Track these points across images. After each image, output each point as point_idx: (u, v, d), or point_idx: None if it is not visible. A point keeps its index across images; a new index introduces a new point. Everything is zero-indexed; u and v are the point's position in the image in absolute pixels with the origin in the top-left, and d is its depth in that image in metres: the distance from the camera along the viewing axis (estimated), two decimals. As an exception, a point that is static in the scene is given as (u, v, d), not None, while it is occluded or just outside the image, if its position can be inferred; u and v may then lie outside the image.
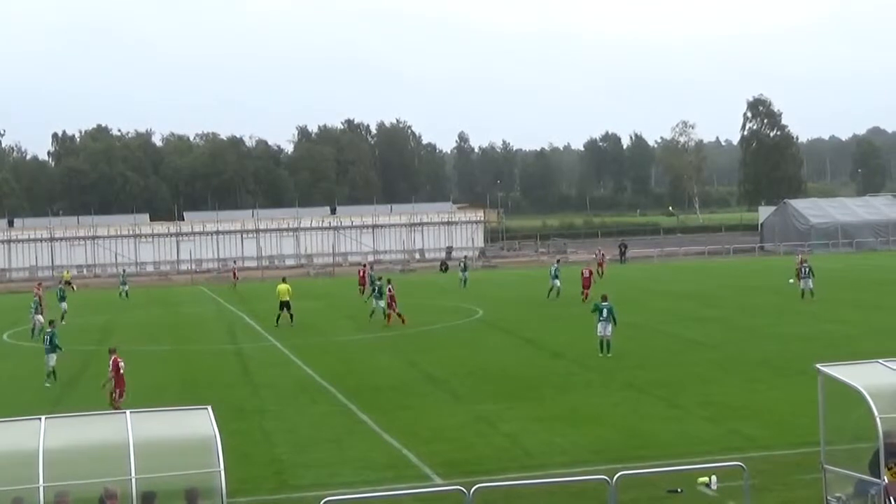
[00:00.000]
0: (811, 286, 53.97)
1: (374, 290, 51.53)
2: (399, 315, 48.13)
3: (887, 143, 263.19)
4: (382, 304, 49.55)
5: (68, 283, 76.38)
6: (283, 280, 53.09)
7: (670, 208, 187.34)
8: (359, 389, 31.90)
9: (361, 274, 66.79)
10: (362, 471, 22.27)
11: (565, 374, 33.68)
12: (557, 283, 58.94)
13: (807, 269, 54.37)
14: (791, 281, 58.90)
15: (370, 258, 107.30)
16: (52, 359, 35.33)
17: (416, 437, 25.22)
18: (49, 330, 36.49)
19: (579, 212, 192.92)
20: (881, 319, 44.41)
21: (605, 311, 36.91)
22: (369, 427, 26.73)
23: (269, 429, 27.05)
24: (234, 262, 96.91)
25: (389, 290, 48.86)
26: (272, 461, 23.64)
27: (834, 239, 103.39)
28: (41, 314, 49.32)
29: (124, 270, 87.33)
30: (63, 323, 51.85)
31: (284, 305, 49.97)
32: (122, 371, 29.09)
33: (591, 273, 58.47)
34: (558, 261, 69.04)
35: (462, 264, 73.59)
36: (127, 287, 74.41)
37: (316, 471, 22.49)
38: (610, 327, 36.86)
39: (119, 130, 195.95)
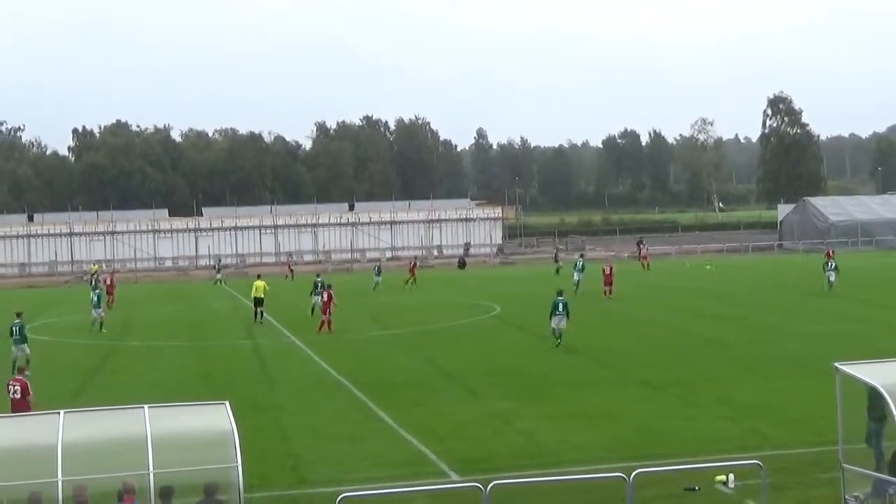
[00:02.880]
0: (834, 279, 57.72)
1: (315, 287, 52.36)
2: (328, 322, 45.55)
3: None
4: (320, 300, 49.99)
5: (94, 274, 77.06)
6: (258, 277, 54.16)
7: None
8: (376, 386, 31.94)
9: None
10: (379, 467, 22.30)
11: (581, 372, 33.65)
12: (576, 276, 60.27)
13: (832, 264, 58.72)
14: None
15: (388, 254, 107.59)
16: (22, 350, 35.33)
17: (432, 433, 25.24)
18: (17, 321, 36.09)
19: (598, 209, 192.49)
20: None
21: (560, 306, 38.77)
22: (386, 423, 26.77)
23: (286, 424, 27.12)
24: (290, 255, 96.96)
25: (328, 294, 46.36)
26: (289, 456, 23.69)
27: (853, 237, 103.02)
28: (101, 308, 49.22)
29: (220, 260, 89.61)
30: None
31: (258, 302, 50.41)
32: (17, 396, 26.27)
33: (611, 269, 58.69)
34: (581, 255, 70.41)
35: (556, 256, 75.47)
36: (221, 275, 77.36)
37: (332, 467, 22.53)
38: (564, 321, 38.67)
39: (138, 126, 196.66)
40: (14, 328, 35.96)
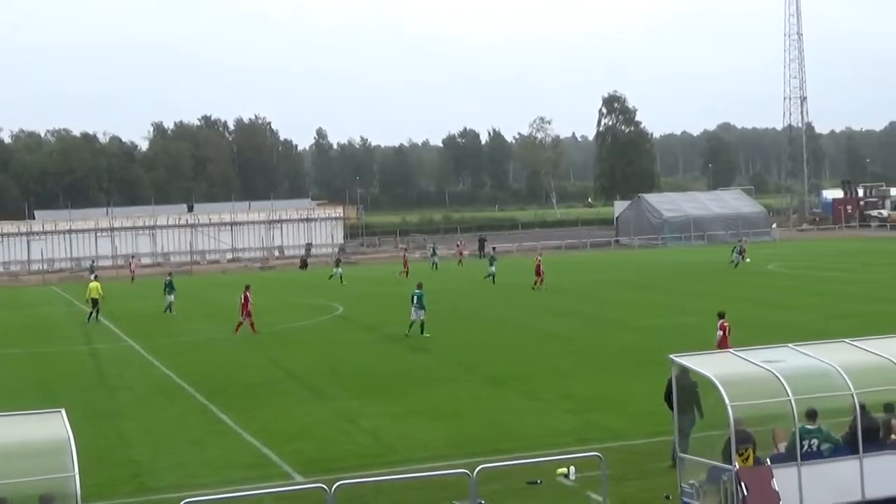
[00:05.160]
0: (733, 258, 70.78)
1: (166, 286, 54.28)
2: (251, 323, 44.27)
3: (737, 138, 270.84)
4: (172, 298, 53.09)
5: None
6: (95, 278, 56.35)
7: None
8: (219, 389, 31.52)
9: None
10: (222, 471, 22.01)
11: (427, 370, 33.82)
12: (490, 269, 65.04)
13: (739, 248, 72.85)
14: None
15: (228, 255, 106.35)
16: None
17: (277, 435, 25.03)
18: None
19: (438, 207, 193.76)
20: (729, 310, 45.48)
21: (414, 298, 40.77)
22: (229, 427, 26.43)
23: (125, 431, 26.54)
24: (132, 257, 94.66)
25: (245, 296, 44.71)
26: (129, 463, 23.20)
27: (686, 232, 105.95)
28: None
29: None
30: None
31: (94, 303, 51.06)
32: None
33: (540, 262, 61.41)
34: (494, 248, 76.33)
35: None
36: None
37: (175, 472, 22.14)
38: (422, 312, 40.70)
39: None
40: None
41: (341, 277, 70.93)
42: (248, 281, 51.31)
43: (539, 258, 62.87)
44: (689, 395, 18.97)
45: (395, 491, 19.31)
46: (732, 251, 73.45)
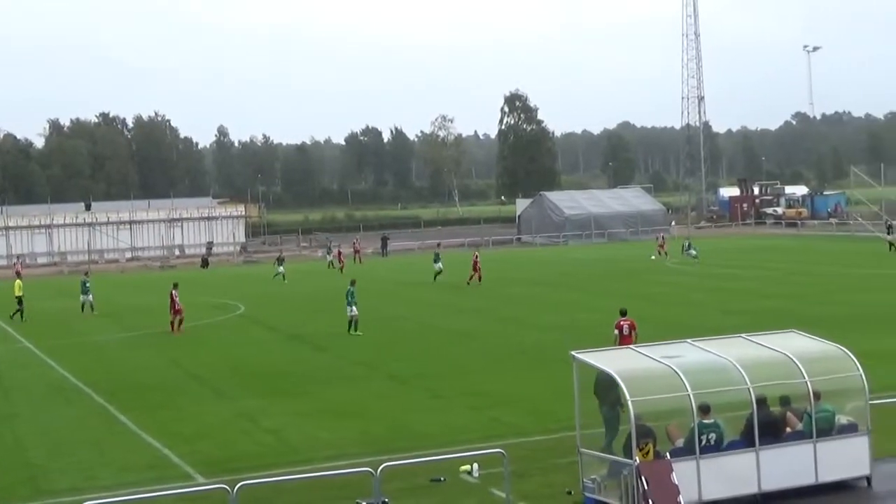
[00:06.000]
0: (695, 254, 70.95)
1: (83, 285, 53.94)
2: (176, 322, 43.87)
3: (636, 137, 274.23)
4: (90, 297, 52.86)
5: None
6: (18, 276, 60.12)
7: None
8: (118, 390, 31.08)
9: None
10: (122, 473, 21.71)
11: (329, 368, 33.73)
12: (439, 265, 63.90)
13: (688, 244, 72.94)
14: (652, 257, 75.02)
15: (128, 255, 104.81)
16: None
17: (177, 436, 24.77)
18: None
19: (341, 205, 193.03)
20: (629, 306, 46.06)
21: (347, 296, 40.82)
22: (129, 428, 26.08)
23: (21, 434, 26.04)
24: (18, 257, 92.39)
25: (173, 296, 44.14)
26: (26, 466, 22.78)
27: (587, 230, 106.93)
28: None
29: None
30: None
31: (19, 301, 51.29)
32: None
33: (477, 257, 62.00)
34: (439, 245, 74.56)
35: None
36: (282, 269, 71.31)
37: (73, 475, 21.79)
38: (349, 309, 40.57)
39: None
40: None
41: (284, 276, 69.36)
42: (169, 280, 50.38)
43: (476, 254, 63.76)
44: (608, 390, 19.15)
45: (298, 490, 19.22)
46: (683, 249, 73.01)
